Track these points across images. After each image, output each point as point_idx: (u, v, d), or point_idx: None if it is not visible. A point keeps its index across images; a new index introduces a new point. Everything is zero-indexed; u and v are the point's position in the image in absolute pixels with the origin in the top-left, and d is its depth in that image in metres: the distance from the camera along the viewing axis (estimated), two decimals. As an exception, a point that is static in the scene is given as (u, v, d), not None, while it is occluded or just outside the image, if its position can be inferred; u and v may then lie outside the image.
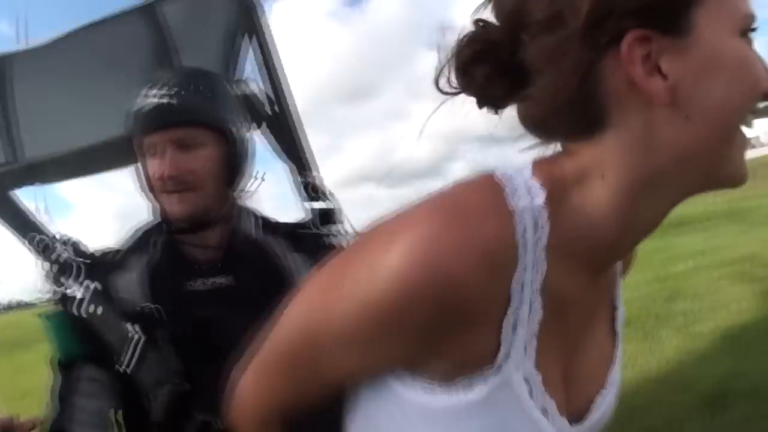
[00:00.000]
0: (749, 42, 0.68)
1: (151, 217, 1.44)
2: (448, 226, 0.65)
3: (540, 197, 0.68)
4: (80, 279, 1.35)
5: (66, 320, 1.34)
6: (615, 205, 0.68)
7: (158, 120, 1.35)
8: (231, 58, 1.91)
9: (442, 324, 0.66)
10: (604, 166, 0.67)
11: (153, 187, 1.38)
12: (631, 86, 0.63)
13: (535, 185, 0.69)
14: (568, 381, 0.80)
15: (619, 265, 0.86)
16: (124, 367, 1.27)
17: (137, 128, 1.37)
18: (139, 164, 1.40)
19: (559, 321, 0.74)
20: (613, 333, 0.89)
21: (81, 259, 1.38)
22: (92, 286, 1.34)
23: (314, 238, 1.55)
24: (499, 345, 0.69)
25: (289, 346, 0.79)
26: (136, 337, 1.28)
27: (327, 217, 1.61)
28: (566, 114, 0.67)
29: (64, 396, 1.31)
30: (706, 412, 3.94)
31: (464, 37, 0.71)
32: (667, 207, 0.72)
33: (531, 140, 0.74)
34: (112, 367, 1.29)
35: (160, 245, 1.42)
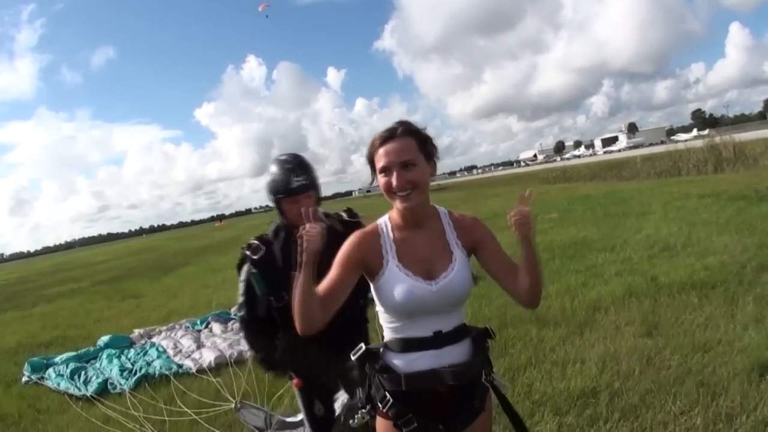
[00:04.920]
0: (384, 173, 2.25)
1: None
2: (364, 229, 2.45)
3: (386, 217, 2.41)
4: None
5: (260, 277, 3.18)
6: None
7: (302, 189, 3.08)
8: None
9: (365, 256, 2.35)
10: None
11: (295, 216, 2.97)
12: None
13: (386, 216, 2.42)
14: (425, 265, 2.29)
15: (448, 224, 2.40)
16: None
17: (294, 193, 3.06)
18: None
19: (406, 246, 2.34)
20: (449, 249, 2.33)
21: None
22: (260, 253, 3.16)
23: (345, 220, 3.33)
24: (383, 259, 2.32)
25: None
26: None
27: (352, 214, 3.38)
28: None
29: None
30: (750, 377, 4.34)
31: None
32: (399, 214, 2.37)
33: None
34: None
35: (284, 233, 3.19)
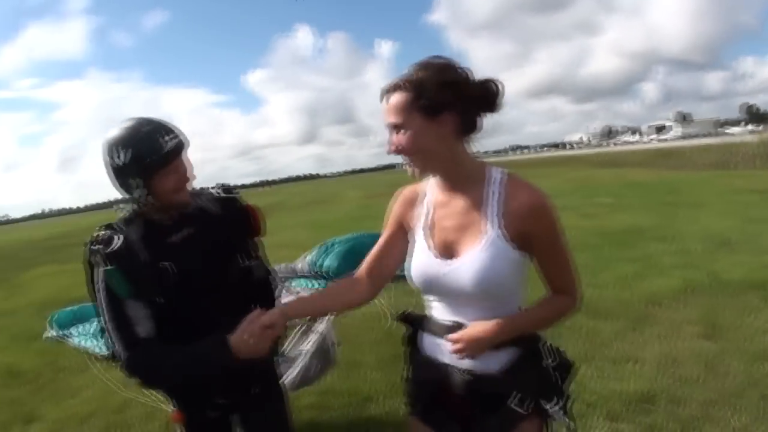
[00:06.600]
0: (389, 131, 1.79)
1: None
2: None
3: (432, 181, 1.93)
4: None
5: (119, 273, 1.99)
6: None
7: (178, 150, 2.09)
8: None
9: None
10: None
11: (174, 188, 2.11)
12: None
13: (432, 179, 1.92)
14: (450, 238, 1.84)
15: (494, 195, 1.78)
16: None
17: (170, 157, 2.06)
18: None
19: (439, 212, 1.89)
20: (482, 227, 1.76)
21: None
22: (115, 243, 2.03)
23: (221, 197, 2.39)
24: (416, 221, 1.94)
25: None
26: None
27: (227, 189, 2.44)
28: None
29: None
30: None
31: None
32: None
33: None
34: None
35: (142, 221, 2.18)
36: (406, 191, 2.05)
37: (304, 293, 4.82)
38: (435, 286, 1.87)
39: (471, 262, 1.76)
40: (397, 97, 1.76)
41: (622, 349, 5.01)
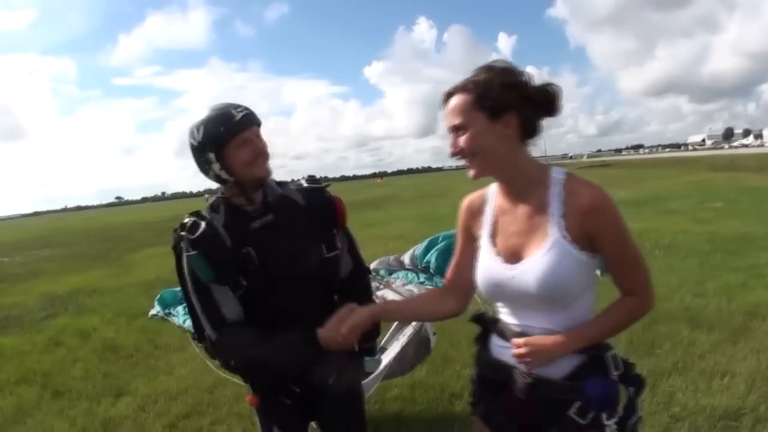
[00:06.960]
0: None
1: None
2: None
3: (493, 188, 1.95)
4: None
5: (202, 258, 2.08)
6: None
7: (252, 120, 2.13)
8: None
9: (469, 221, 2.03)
10: None
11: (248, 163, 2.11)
12: None
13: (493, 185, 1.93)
14: (514, 243, 1.81)
15: (557, 196, 1.74)
16: None
17: (240, 127, 2.08)
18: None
19: (502, 217, 1.87)
20: (545, 230, 1.72)
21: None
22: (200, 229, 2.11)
23: (306, 188, 2.39)
24: (481, 229, 1.94)
25: None
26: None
27: (314, 180, 2.43)
28: None
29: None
30: None
31: None
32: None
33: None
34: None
35: (225, 206, 2.23)
36: (470, 200, 2.03)
37: (410, 287, 4.91)
38: (501, 292, 1.85)
39: (534, 264, 1.72)
40: (459, 99, 1.75)
41: (717, 362, 4.88)
